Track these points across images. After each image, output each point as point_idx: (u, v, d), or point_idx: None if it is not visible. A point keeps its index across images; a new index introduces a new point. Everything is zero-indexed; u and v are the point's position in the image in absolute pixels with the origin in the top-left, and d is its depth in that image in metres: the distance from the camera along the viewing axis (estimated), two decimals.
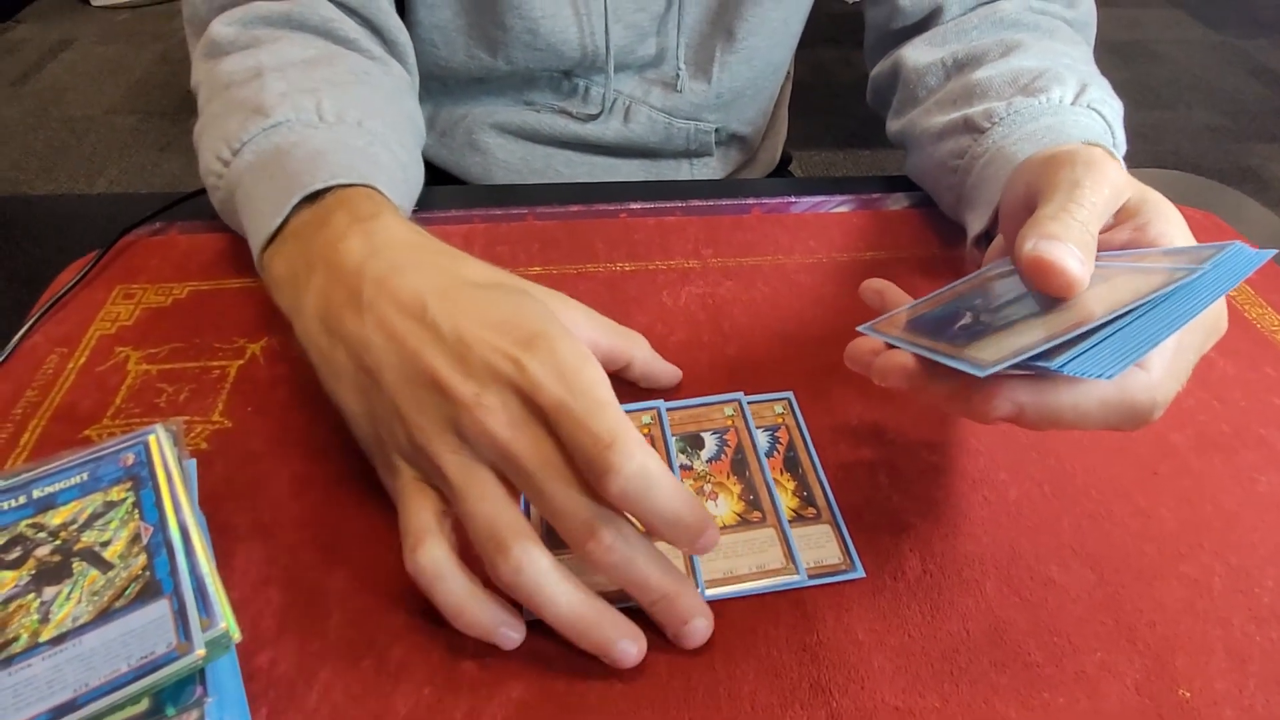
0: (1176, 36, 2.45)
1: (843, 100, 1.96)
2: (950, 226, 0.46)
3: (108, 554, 0.24)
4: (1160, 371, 0.25)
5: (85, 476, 0.26)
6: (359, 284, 0.29)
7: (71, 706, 0.20)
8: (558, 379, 0.25)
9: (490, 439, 0.26)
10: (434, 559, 0.26)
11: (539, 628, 0.27)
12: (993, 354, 0.23)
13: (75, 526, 0.25)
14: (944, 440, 0.34)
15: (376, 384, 0.28)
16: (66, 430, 0.33)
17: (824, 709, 0.25)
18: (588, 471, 0.25)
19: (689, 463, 0.33)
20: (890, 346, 0.28)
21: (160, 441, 0.27)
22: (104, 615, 0.22)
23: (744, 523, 0.30)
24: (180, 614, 0.22)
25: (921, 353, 0.26)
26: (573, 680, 0.26)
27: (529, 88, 0.56)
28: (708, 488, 0.32)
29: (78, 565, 0.24)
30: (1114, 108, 0.43)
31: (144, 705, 0.22)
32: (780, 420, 0.35)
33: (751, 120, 0.62)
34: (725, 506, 0.31)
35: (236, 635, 0.22)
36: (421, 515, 0.27)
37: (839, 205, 0.49)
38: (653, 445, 0.30)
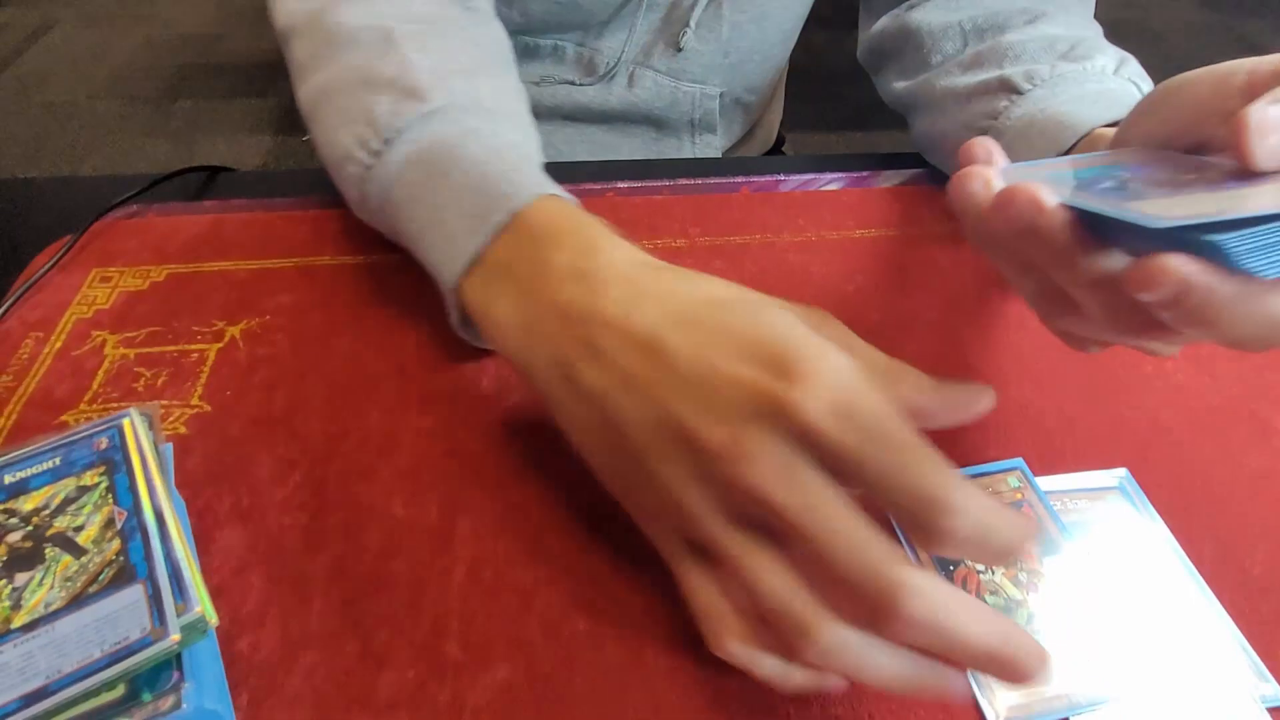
0: (1173, 16, 2.44)
1: (835, 84, 1.95)
2: (943, 203, 0.46)
3: (81, 539, 0.23)
4: None
5: (57, 461, 0.26)
6: (590, 332, 0.26)
7: (44, 693, 0.20)
8: (832, 409, 0.21)
9: (754, 494, 0.22)
10: (741, 652, 0.23)
11: (523, 609, 0.26)
12: (1165, 211, 0.20)
13: (48, 512, 0.24)
14: None
15: (622, 441, 0.25)
16: (43, 416, 0.33)
17: (818, 703, 0.25)
18: (909, 525, 0.21)
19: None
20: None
21: (135, 425, 0.27)
22: (77, 601, 0.22)
23: None
24: (155, 599, 0.22)
25: (1069, 201, 0.22)
26: (558, 664, 0.26)
27: (531, 59, 0.55)
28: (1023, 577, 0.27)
29: (50, 551, 0.23)
30: (1150, 86, 0.41)
31: (120, 691, 0.21)
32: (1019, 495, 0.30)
33: (756, 88, 0.61)
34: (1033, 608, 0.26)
35: (213, 620, 0.22)
36: (706, 594, 0.24)
37: (829, 183, 0.48)
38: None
